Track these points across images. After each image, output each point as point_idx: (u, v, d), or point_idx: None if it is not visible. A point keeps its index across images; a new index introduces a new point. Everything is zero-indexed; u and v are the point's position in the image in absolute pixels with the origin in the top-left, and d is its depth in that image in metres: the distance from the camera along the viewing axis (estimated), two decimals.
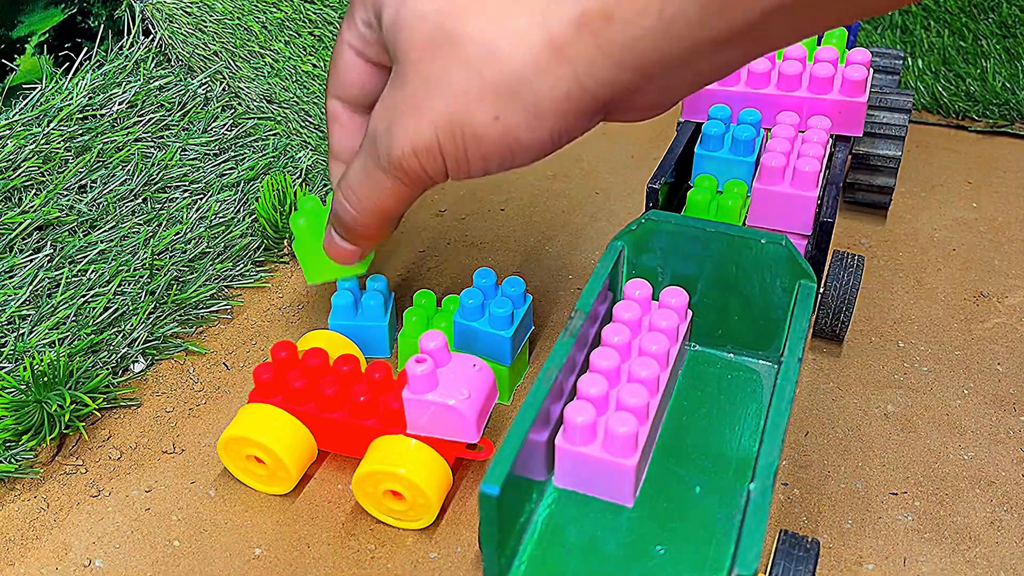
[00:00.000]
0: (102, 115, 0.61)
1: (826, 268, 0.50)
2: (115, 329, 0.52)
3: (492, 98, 0.30)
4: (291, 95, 0.70)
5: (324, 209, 0.47)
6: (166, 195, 0.60)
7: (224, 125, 0.65)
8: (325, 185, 0.66)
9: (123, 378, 0.52)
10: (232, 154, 0.64)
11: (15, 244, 0.54)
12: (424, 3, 0.31)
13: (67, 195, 0.57)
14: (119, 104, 0.62)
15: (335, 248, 0.41)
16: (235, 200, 0.62)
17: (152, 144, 0.62)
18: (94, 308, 0.52)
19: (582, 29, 0.28)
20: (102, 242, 0.56)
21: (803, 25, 0.27)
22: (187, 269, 0.57)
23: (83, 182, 0.58)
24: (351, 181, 0.37)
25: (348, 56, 0.38)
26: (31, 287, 0.52)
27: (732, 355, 0.39)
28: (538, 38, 0.29)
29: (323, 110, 0.71)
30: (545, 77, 0.29)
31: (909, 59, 0.79)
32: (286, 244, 0.61)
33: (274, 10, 0.73)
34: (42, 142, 0.58)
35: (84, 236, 0.56)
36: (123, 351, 0.52)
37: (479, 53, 0.30)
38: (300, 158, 0.66)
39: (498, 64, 0.30)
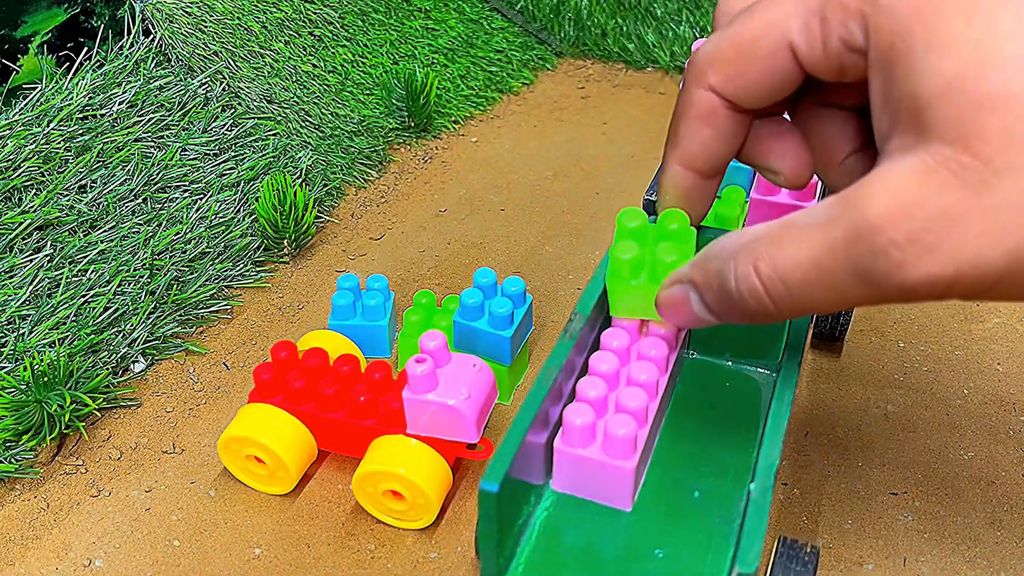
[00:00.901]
0: (102, 115, 0.61)
1: None
2: (115, 329, 0.52)
3: None
4: (291, 95, 0.70)
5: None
6: (166, 195, 0.60)
7: (224, 125, 0.65)
8: (325, 185, 0.66)
9: (123, 378, 0.52)
10: (232, 154, 0.64)
11: (15, 244, 0.54)
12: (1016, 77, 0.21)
13: (67, 195, 0.57)
14: (119, 104, 0.62)
15: (689, 318, 0.30)
16: (235, 200, 0.62)
17: (152, 144, 0.62)
18: (94, 308, 0.52)
19: None
20: (102, 242, 0.56)
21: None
22: (187, 269, 0.57)
23: (83, 182, 0.58)
24: (785, 271, 0.25)
25: (708, 102, 0.29)
26: (31, 287, 0.52)
27: (730, 363, 0.39)
28: None
29: (323, 109, 0.71)
30: None
31: None
32: (285, 244, 0.61)
33: (274, 10, 0.73)
34: (42, 142, 0.58)
35: (84, 236, 0.56)
36: (123, 351, 0.52)
37: None
38: (300, 158, 0.66)
39: None
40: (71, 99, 0.61)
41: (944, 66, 0.22)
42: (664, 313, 0.31)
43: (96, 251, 0.55)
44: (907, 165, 0.23)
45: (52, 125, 0.59)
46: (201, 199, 0.61)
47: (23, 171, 0.56)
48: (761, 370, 0.39)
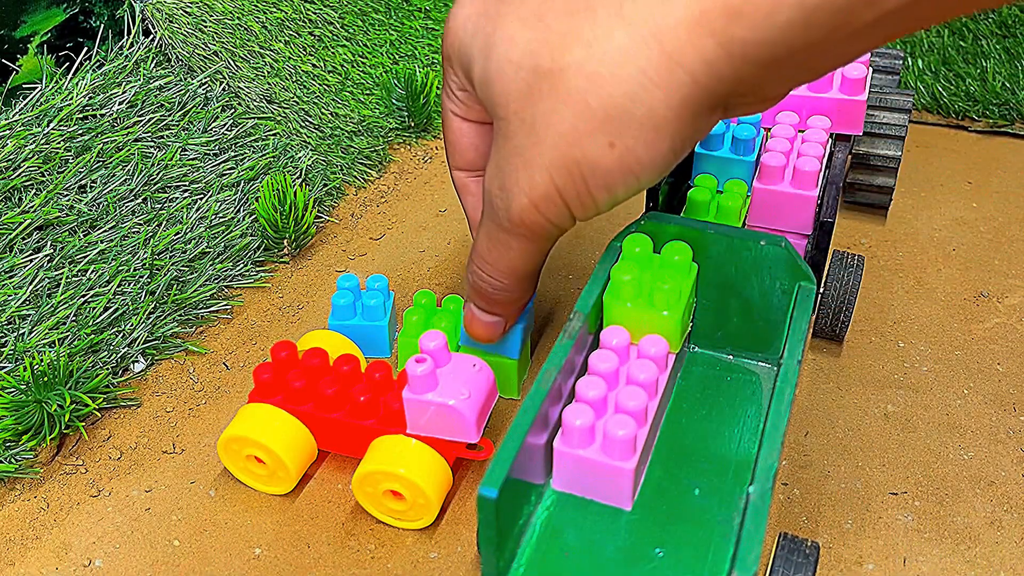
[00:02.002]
0: (102, 115, 0.61)
1: (826, 268, 0.50)
2: (115, 329, 0.52)
3: (603, 125, 0.29)
4: (291, 95, 0.70)
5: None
6: (166, 195, 0.60)
7: (224, 125, 0.65)
8: (325, 185, 0.66)
9: (123, 378, 0.52)
10: (232, 154, 0.64)
11: (15, 244, 0.54)
12: (512, 48, 0.30)
13: (67, 195, 0.57)
14: (119, 104, 0.62)
15: (478, 324, 0.40)
16: (235, 200, 0.62)
17: (152, 144, 0.62)
18: (94, 308, 0.52)
19: (700, 30, 0.27)
20: (102, 242, 0.56)
21: (950, 6, 0.26)
22: (187, 269, 0.57)
23: (83, 182, 0.58)
24: (479, 250, 0.35)
25: (455, 124, 0.37)
26: (31, 287, 0.52)
27: (731, 357, 0.39)
28: (644, 51, 0.27)
29: (323, 109, 0.71)
30: (657, 89, 0.28)
31: (909, 59, 0.79)
32: (285, 244, 0.61)
33: (274, 10, 0.73)
34: (42, 142, 0.58)
35: (84, 236, 0.56)
36: (123, 351, 0.52)
37: (580, 84, 0.28)
38: (300, 158, 0.66)
39: (604, 88, 0.28)
40: (71, 99, 0.61)
41: (475, 72, 0.33)
42: (471, 334, 0.41)
43: (96, 251, 0.55)
44: (493, 143, 0.33)
45: (52, 125, 0.59)
46: (201, 199, 0.61)
47: (23, 171, 0.56)
48: (762, 364, 0.39)
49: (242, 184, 0.63)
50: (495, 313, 0.39)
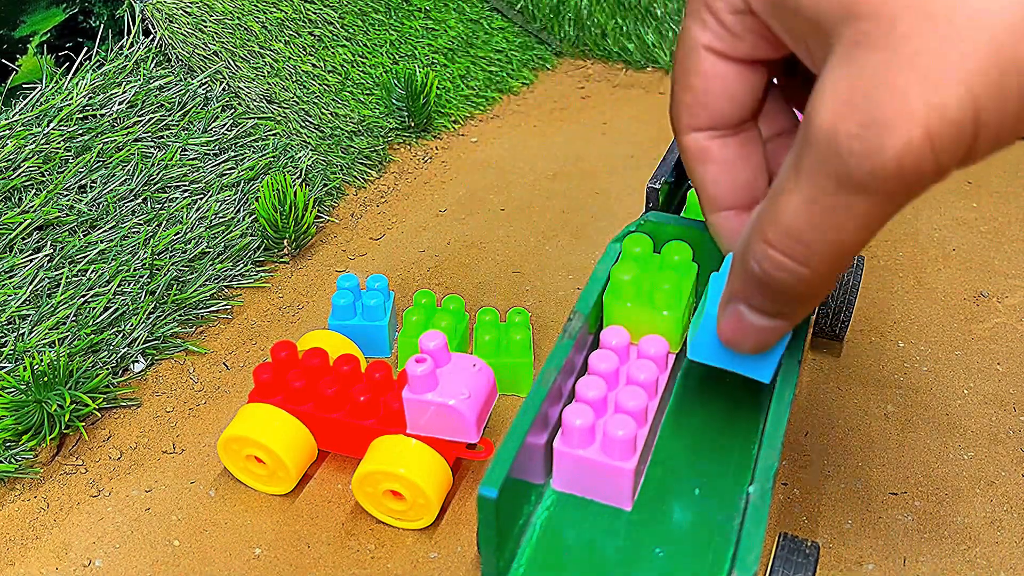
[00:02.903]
0: (102, 115, 0.61)
1: None
2: (115, 329, 0.52)
3: None
4: (291, 95, 0.70)
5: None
6: (166, 195, 0.60)
7: (224, 125, 0.65)
8: (325, 185, 0.66)
9: (123, 378, 0.52)
10: (232, 154, 0.64)
11: (15, 244, 0.54)
12: None
13: (67, 195, 0.57)
14: (119, 104, 0.62)
15: (751, 330, 0.29)
16: (235, 200, 0.62)
17: (152, 144, 0.62)
18: (94, 308, 0.52)
19: None
20: (102, 242, 0.56)
21: None
22: (187, 269, 0.57)
23: (83, 182, 0.58)
24: (792, 226, 0.25)
25: (708, 64, 0.28)
26: (31, 287, 0.52)
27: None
28: None
29: (323, 109, 0.71)
30: None
31: None
32: (285, 244, 0.61)
33: (274, 10, 0.73)
34: (42, 142, 0.58)
35: (84, 236, 0.56)
36: (123, 351, 0.52)
37: None
38: (300, 158, 0.66)
39: None
40: (71, 99, 0.61)
41: None
42: (733, 343, 0.30)
43: (96, 251, 0.55)
44: (829, 68, 0.23)
45: (52, 125, 0.59)
46: (201, 199, 0.61)
47: (23, 171, 0.56)
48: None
49: (242, 184, 0.63)
50: (783, 315, 0.28)
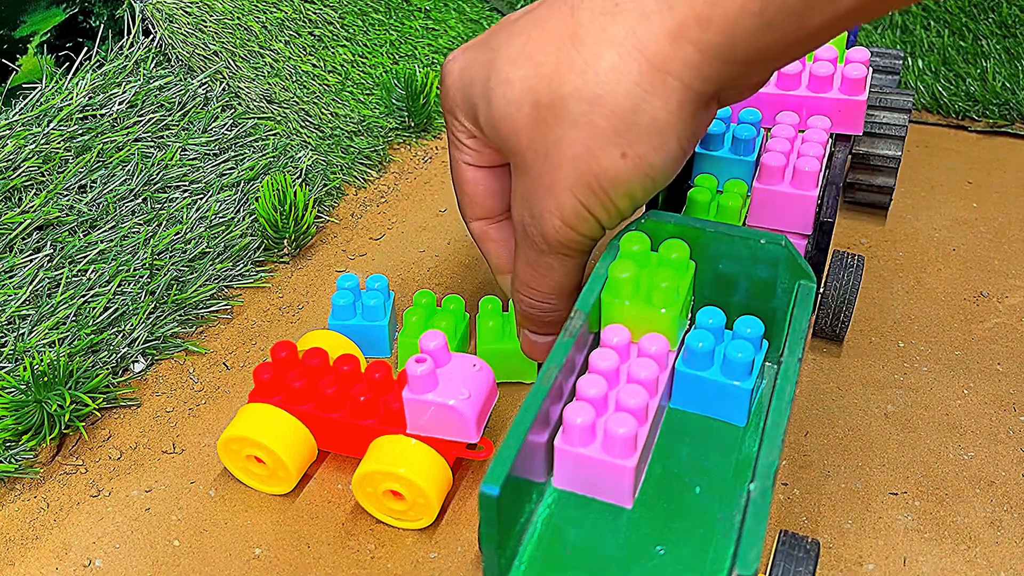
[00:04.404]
0: (102, 115, 0.61)
1: (826, 268, 0.50)
2: (115, 329, 0.52)
3: (613, 139, 0.31)
4: (291, 95, 0.70)
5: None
6: (166, 195, 0.60)
7: (224, 125, 0.65)
8: (325, 185, 0.66)
9: (123, 378, 0.52)
10: (232, 154, 0.64)
11: (15, 244, 0.54)
12: (510, 89, 0.33)
13: (67, 195, 0.57)
14: (119, 104, 0.62)
15: (537, 347, 0.41)
16: (235, 200, 0.62)
17: (152, 144, 0.62)
18: (94, 308, 0.52)
19: (679, 40, 0.29)
20: (102, 242, 0.56)
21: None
22: (187, 269, 0.57)
23: (83, 182, 0.58)
24: (523, 278, 0.37)
25: (469, 174, 0.38)
26: (31, 287, 0.52)
27: None
28: (635, 66, 0.30)
29: (323, 109, 0.71)
30: (654, 97, 0.30)
31: (909, 59, 0.79)
32: (285, 244, 0.61)
33: (274, 10, 0.73)
34: (42, 142, 0.58)
35: (84, 236, 0.56)
36: (123, 351, 0.52)
37: (583, 108, 0.31)
38: (300, 158, 0.66)
39: (606, 107, 0.31)
40: (71, 99, 0.61)
41: (481, 119, 0.36)
42: (530, 356, 0.41)
43: (96, 251, 0.55)
44: (513, 178, 0.36)
45: (52, 125, 0.59)
46: (201, 199, 0.61)
47: (23, 171, 0.56)
48: (765, 362, 0.39)
49: (242, 184, 0.63)
50: (549, 333, 0.40)
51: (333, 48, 0.75)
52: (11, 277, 0.52)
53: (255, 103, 0.67)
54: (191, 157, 0.63)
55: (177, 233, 0.58)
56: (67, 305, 0.52)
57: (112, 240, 0.56)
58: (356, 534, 0.43)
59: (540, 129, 0.32)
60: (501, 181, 0.39)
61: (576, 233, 0.34)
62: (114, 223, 0.57)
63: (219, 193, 0.62)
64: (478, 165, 0.38)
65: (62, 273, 0.53)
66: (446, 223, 0.65)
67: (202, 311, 0.56)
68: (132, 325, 0.53)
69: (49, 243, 0.54)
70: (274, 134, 0.67)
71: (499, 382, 0.50)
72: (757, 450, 0.33)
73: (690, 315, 0.38)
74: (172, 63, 0.67)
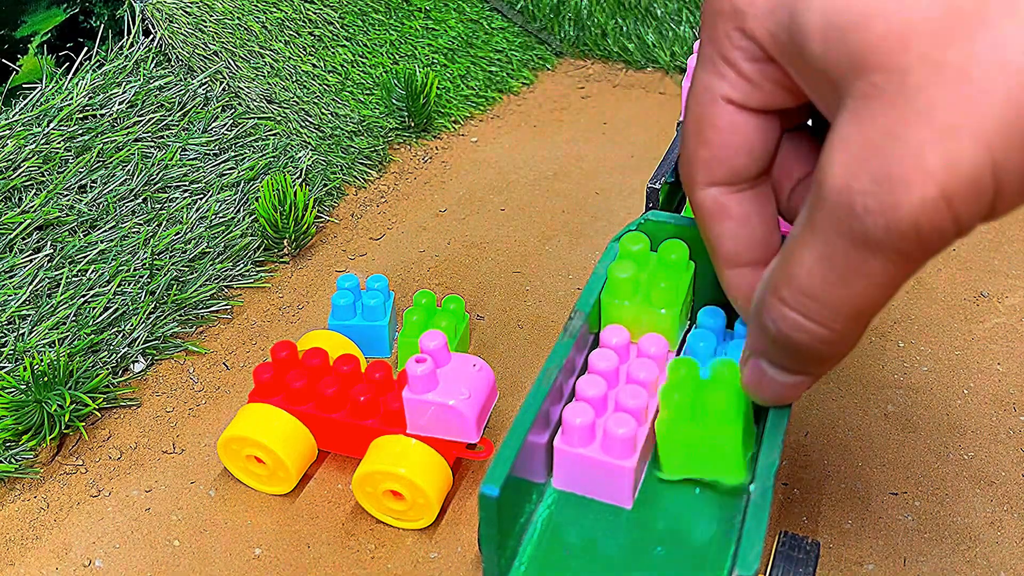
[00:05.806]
0: (102, 115, 0.61)
1: None
2: (115, 329, 0.52)
3: None
4: (291, 95, 0.70)
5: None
6: (166, 195, 0.60)
7: (224, 125, 0.65)
8: (325, 185, 0.66)
9: (123, 378, 0.52)
10: (232, 154, 0.64)
11: (15, 244, 0.54)
12: None
13: (67, 195, 0.57)
14: (119, 104, 0.62)
15: (775, 386, 0.28)
16: (235, 200, 0.62)
17: (152, 144, 0.62)
18: (94, 308, 0.52)
19: None
20: (102, 242, 0.56)
21: None
22: (187, 269, 0.57)
23: (83, 182, 0.58)
24: (806, 284, 0.24)
25: (726, 116, 0.27)
26: (31, 287, 0.52)
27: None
28: None
29: (323, 109, 0.71)
30: None
31: None
32: (285, 244, 0.61)
33: (274, 10, 0.73)
34: (42, 142, 0.58)
35: (84, 236, 0.56)
36: (123, 351, 0.52)
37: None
38: (300, 158, 0.66)
39: None
40: (71, 99, 0.61)
41: (814, 19, 0.22)
42: (757, 396, 0.30)
43: (96, 251, 0.55)
44: (841, 121, 0.22)
45: (52, 125, 0.59)
46: (201, 199, 0.61)
47: (23, 171, 0.56)
48: None
49: (242, 184, 0.63)
50: (805, 372, 0.27)
51: (333, 48, 0.75)
52: (11, 277, 0.52)
53: (255, 103, 0.67)
54: (191, 157, 0.63)
55: (177, 233, 0.58)
56: (67, 305, 0.52)
57: (112, 240, 0.56)
58: (356, 534, 0.43)
59: (951, 35, 0.20)
60: (766, 134, 0.28)
61: (951, 215, 0.21)
62: (114, 223, 0.57)
63: (219, 193, 0.62)
64: (743, 105, 0.27)
65: (62, 273, 0.53)
66: (446, 223, 0.65)
67: (202, 311, 0.56)
68: (132, 325, 0.53)
69: (49, 243, 0.54)
70: (274, 134, 0.67)
71: (676, 479, 0.33)
72: (757, 449, 0.33)
73: (690, 315, 0.38)
74: (172, 63, 0.67)
